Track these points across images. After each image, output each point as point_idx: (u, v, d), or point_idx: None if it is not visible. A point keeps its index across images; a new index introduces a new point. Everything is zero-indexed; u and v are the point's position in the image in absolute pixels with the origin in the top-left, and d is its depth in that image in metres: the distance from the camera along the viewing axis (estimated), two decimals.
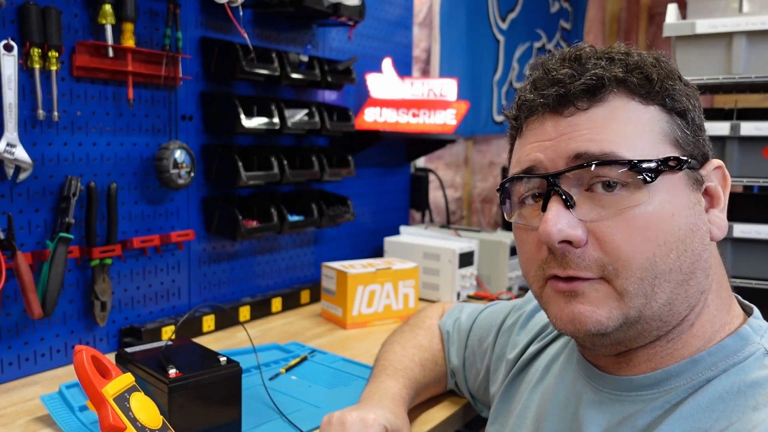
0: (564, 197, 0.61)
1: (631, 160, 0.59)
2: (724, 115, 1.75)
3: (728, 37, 1.59)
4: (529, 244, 0.66)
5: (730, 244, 1.56)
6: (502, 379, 0.89)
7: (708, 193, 0.65)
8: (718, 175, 0.66)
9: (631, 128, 0.61)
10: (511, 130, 0.71)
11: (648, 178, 0.59)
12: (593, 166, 0.60)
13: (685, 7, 1.72)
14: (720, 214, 0.65)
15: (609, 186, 0.60)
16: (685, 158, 0.62)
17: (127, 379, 0.72)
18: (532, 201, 0.66)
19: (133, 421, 0.68)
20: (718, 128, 1.56)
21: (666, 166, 0.60)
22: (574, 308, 0.62)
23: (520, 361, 0.86)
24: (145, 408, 0.71)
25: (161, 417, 0.71)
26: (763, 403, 0.57)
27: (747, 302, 0.69)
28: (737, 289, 0.69)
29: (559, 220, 0.60)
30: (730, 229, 1.54)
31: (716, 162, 0.66)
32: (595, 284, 0.61)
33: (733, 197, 1.88)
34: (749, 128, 1.55)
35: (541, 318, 0.88)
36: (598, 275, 0.61)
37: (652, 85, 0.63)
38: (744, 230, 1.55)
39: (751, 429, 0.55)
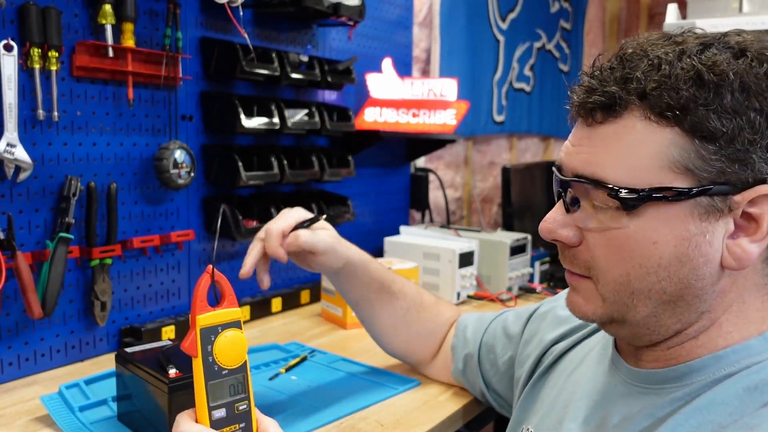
0: (566, 201, 0.66)
1: (612, 187, 0.61)
2: None
3: None
4: None
5: None
6: (533, 364, 0.90)
7: (745, 219, 0.60)
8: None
9: (630, 153, 0.61)
10: None
11: (627, 207, 0.60)
12: (582, 184, 0.63)
13: (685, 7, 1.72)
14: (749, 244, 0.60)
15: (598, 206, 0.63)
16: (690, 188, 0.58)
17: (231, 315, 0.72)
18: None
19: (207, 353, 0.68)
20: None
21: (651, 197, 0.59)
22: (571, 297, 0.71)
23: (555, 352, 0.88)
24: (229, 347, 0.70)
25: (245, 358, 0.71)
26: None
27: None
28: None
29: (552, 220, 0.67)
30: None
31: (766, 189, 0.58)
32: (585, 282, 0.67)
33: None
34: None
35: None
36: (585, 273, 0.67)
37: (672, 106, 0.58)
38: None
39: (759, 424, 0.56)
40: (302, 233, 1.01)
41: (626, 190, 0.60)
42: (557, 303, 0.96)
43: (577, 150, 0.65)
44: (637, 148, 0.60)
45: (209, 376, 0.67)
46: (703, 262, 0.61)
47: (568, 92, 0.68)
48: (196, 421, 0.68)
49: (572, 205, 0.66)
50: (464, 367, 1.09)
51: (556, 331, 0.91)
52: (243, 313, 1.56)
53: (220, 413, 0.67)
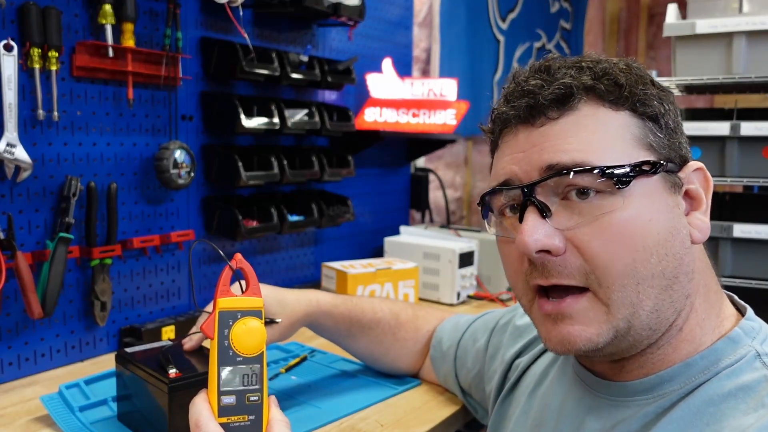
0: (539, 207, 0.62)
1: (602, 167, 0.60)
2: (724, 115, 1.75)
3: (728, 37, 1.59)
4: (512, 256, 0.67)
5: (730, 244, 1.55)
6: (499, 380, 0.89)
7: (689, 196, 0.65)
8: (699, 177, 0.65)
9: (602, 135, 0.62)
10: (490, 144, 0.72)
11: (621, 184, 0.60)
12: (564, 175, 0.60)
13: (685, 7, 1.72)
14: (701, 216, 0.65)
15: (583, 193, 0.61)
16: (659, 162, 0.62)
17: (252, 303, 0.71)
18: (511, 213, 0.67)
19: (224, 337, 0.68)
20: (718, 128, 1.56)
21: (639, 170, 0.60)
22: (563, 329, 0.62)
23: (519, 368, 0.86)
24: (246, 334, 0.69)
25: (262, 349, 0.70)
26: (754, 407, 0.57)
27: (741, 302, 0.69)
28: (737, 289, 0.69)
29: (535, 231, 0.61)
30: (730, 229, 1.54)
31: (695, 164, 0.65)
32: (581, 301, 0.61)
33: (733, 197, 1.88)
34: (749, 128, 1.55)
35: None
36: (581, 283, 0.61)
37: (621, 91, 0.63)
38: (744, 230, 1.54)
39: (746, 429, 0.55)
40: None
41: (617, 167, 0.60)
42: (516, 312, 0.95)
43: (539, 150, 0.63)
44: (605, 132, 0.62)
45: (223, 360, 0.67)
46: (685, 234, 0.63)
47: (493, 112, 0.69)
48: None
49: (545, 212, 0.62)
50: (444, 379, 1.10)
51: (517, 344, 0.89)
52: None
53: (229, 399, 0.67)
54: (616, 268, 0.60)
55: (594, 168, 0.60)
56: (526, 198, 0.62)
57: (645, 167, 0.61)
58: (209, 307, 0.99)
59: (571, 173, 0.60)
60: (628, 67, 0.65)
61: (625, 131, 0.62)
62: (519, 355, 0.88)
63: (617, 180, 0.60)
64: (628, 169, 0.60)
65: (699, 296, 0.65)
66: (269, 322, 0.99)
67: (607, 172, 0.60)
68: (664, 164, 0.62)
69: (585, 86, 0.63)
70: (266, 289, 1.00)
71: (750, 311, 0.67)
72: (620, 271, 0.60)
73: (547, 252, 0.61)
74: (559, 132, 0.62)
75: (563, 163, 0.61)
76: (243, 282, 0.73)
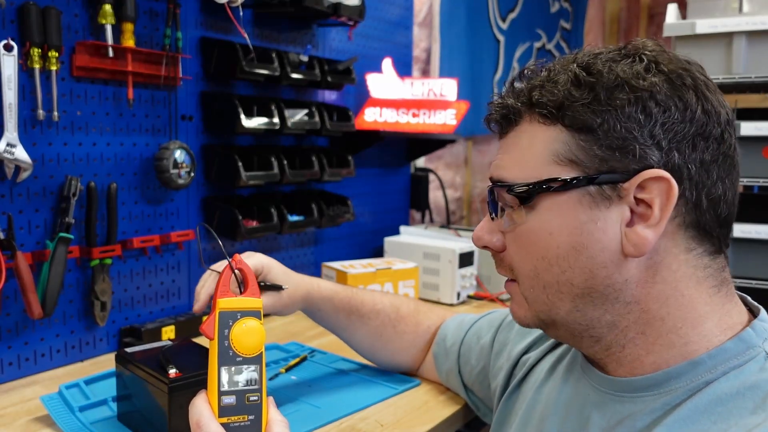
0: (490, 209, 0.71)
1: (509, 185, 0.66)
2: None
3: (728, 37, 1.59)
4: None
5: (730, 244, 1.55)
6: (506, 376, 0.90)
7: (642, 206, 0.61)
8: (659, 187, 0.60)
9: (524, 152, 0.67)
10: None
11: (523, 201, 0.66)
12: (492, 189, 0.70)
13: (685, 7, 1.72)
14: (644, 230, 0.61)
15: (507, 205, 0.69)
16: (576, 177, 0.62)
17: (252, 303, 0.71)
18: None
19: (224, 337, 0.69)
20: None
21: (541, 188, 0.64)
22: (510, 305, 0.75)
23: (527, 363, 0.87)
24: (246, 334, 0.69)
25: (261, 349, 0.70)
26: (762, 406, 0.57)
27: (755, 303, 0.68)
28: (736, 289, 0.69)
29: (481, 229, 0.72)
30: None
31: (654, 172, 0.60)
32: (513, 286, 0.72)
33: None
34: (749, 128, 1.55)
35: None
36: (511, 276, 0.71)
37: (551, 106, 0.65)
38: (744, 230, 1.55)
39: (749, 431, 0.55)
40: (264, 299, 0.99)
41: (520, 185, 0.65)
42: None
43: (493, 160, 0.71)
44: (528, 148, 0.66)
45: (223, 360, 0.67)
46: (599, 250, 0.63)
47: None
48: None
49: (495, 212, 0.70)
50: (447, 376, 1.10)
51: (524, 340, 0.90)
52: None
53: (229, 399, 0.67)
54: (523, 272, 0.68)
55: (504, 185, 0.67)
56: (488, 199, 0.72)
57: (552, 184, 0.63)
58: (217, 266, 0.99)
59: (493, 188, 0.69)
60: (585, 73, 0.63)
61: (545, 147, 0.65)
62: (527, 351, 0.89)
63: (519, 197, 0.66)
64: (526, 188, 0.65)
65: (669, 306, 0.63)
66: (276, 287, 1.01)
67: (512, 189, 0.66)
68: (590, 178, 0.61)
69: (523, 105, 0.68)
70: (272, 261, 1.04)
71: (763, 312, 0.67)
72: (527, 275, 0.68)
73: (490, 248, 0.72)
74: (505, 147, 0.70)
75: (493, 178, 0.70)
76: (239, 276, 0.73)
